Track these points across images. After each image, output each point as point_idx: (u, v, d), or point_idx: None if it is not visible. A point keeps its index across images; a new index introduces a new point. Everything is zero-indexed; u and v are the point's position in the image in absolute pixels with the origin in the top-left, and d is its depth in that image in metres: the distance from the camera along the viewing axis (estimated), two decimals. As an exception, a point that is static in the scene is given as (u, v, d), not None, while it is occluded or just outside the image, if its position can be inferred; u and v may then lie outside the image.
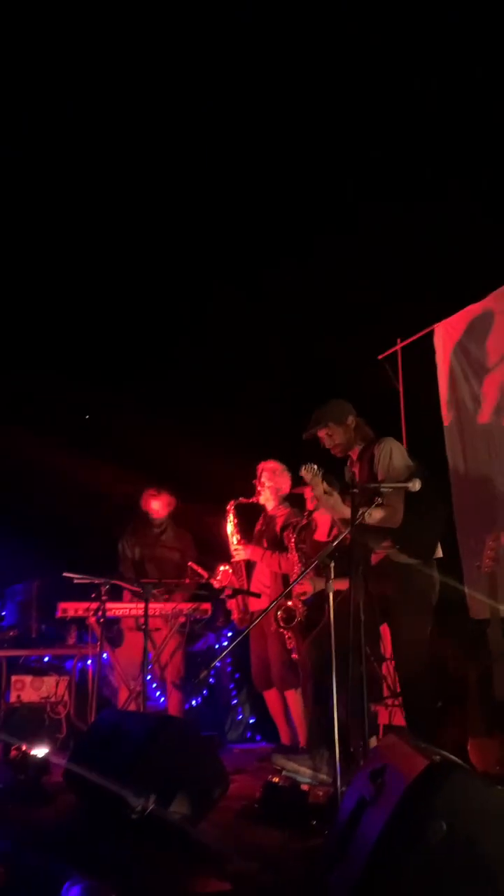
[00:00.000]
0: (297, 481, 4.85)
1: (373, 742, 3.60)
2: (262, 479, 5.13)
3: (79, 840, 3.24)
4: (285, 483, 5.14)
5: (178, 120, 7.13)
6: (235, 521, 5.14)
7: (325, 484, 3.82)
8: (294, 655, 4.62)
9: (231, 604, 5.14)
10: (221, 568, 5.11)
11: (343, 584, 3.48)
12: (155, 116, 7.08)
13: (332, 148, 6.99)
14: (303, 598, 4.49)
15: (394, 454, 3.92)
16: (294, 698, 4.86)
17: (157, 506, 5.69)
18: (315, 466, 3.81)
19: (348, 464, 4.02)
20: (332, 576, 3.28)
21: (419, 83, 6.48)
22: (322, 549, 4.46)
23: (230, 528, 5.13)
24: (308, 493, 4.75)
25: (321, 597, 4.40)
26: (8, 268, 7.51)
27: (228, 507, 5.14)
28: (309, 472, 3.83)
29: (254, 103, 6.96)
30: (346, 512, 3.81)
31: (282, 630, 4.63)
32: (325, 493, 3.87)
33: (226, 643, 6.40)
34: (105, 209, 7.62)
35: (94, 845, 3.12)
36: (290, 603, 4.49)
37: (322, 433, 4.13)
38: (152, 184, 7.61)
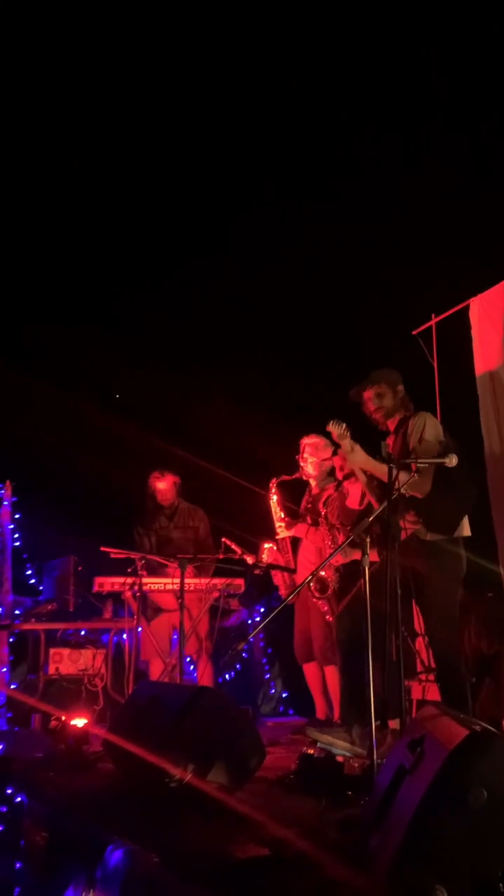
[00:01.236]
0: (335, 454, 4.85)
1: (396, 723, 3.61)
2: (305, 455, 5.13)
3: (118, 807, 3.32)
4: (328, 457, 5.14)
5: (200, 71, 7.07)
6: (278, 498, 5.16)
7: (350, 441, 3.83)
8: (329, 620, 4.67)
9: (278, 579, 5.17)
10: (266, 545, 5.14)
11: (371, 556, 3.49)
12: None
13: (369, 118, 6.91)
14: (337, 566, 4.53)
15: (427, 428, 3.92)
16: (333, 674, 4.90)
17: (163, 486, 5.72)
18: (343, 424, 3.82)
19: (385, 441, 4.01)
20: (368, 550, 3.29)
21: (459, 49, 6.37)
22: (353, 516, 4.48)
23: (273, 505, 5.15)
24: (338, 462, 4.73)
25: (353, 566, 4.43)
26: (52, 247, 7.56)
27: (271, 484, 5.16)
28: (337, 427, 3.84)
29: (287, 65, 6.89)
30: (376, 466, 3.81)
31: (315, 600, 4.67)
32: (352, 450, 3.88)
33: (258, 618, 6.46)
34: (142, 197, 7.64)
35: (133, 812, 3.19)
36: (322, 573, 4.53)
37: (370, 393, 4.13)
38: (185, 154, 7.59)
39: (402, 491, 3.63)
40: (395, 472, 3.40)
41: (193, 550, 5.51)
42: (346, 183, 7.31)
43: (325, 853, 2.39)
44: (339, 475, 4.76)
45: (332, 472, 5.16)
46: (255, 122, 7.51)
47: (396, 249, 6.79)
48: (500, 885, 1.61)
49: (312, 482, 5.18)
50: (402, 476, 3.53)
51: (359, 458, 3.91)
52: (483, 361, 5.41)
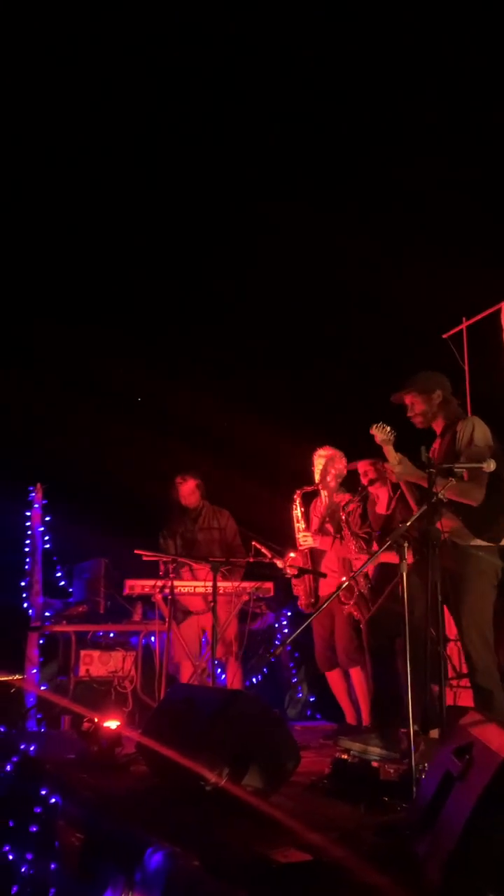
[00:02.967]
0: (362, 455, 4.84)
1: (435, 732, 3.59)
2: (327, 467, 5.15)
3: (154, 809, 3.32)
4: (342, 467, 5.16)
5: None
6: (302, 509, 5.17)
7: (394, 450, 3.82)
8: (362, 626, 4.67)
9: (298, 589, 5.18)
10: (291, 554, 5.15)
11: (394, 558, 3.48)
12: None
13: (403, 118, 6.89)
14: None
15: (476, 433, 3.89)
16: (359, 676, 4.89)
17: (186, 490, 5.74)
18: (387, 427, 3.80)
19: (424, 446, 4.00)
20: (405, 556, 3.27)
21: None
22: (383, 522, 4.47)
23: (297, 515, 5.16)
24: (362, 467, 4.73)
25: (382, 570, 4.42)
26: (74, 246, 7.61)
27: (295, 496, 5.18)
28: (381, 431, 3.82)
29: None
30: (422, 476, 3.78)
31: (343, 604, 4.67)
32: (399, 461, 3.86)
33: (285, 622, 6.46)
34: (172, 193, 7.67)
35: (169, 815, 3.20)
36: (344, 579, 4.53)
37: (407, 400, 4.12)
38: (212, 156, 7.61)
39: (453, 497, 3.61)
40: (434, 476, 3.37)
41: (219, 551, 5.53)
42: (378, 185, 7.30)
43: (366, 858, 2.38)
44: (364, 481, 4.75)
45: (342, 483, 5.18)
46: (283, 121, 7.52)
47: (428, 253, 6.77)
48: None
49: (324, 493, 5.20)
50: (442, 481, 3.51)
51: (406, 469, 3.89)
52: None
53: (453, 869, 1.73)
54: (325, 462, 5.18)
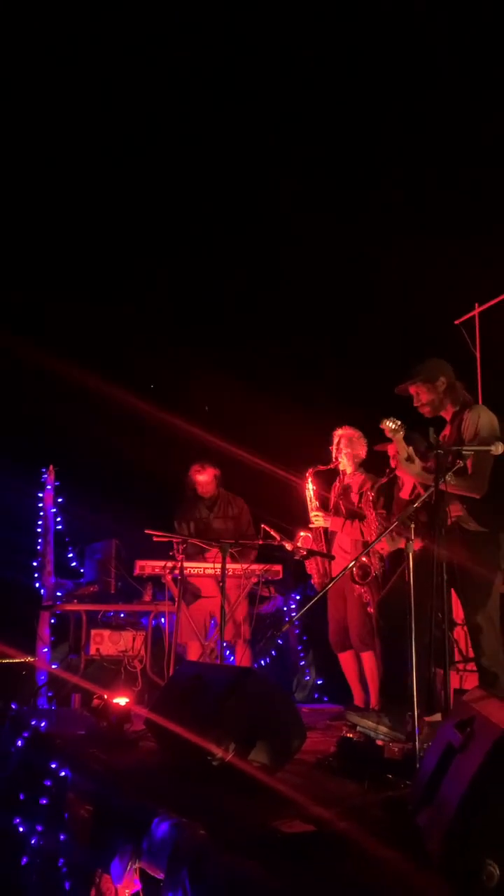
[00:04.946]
0: (376, 440, 4.86)
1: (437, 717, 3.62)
2: (340, 446, 5.15)
3: (162, 783, 3.39)
4: (362, 449, 5.16)
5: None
6: (315, 488, 5.19)
7: (405, 444, 3.83)
8: (370, 610, 4.70)
9: (311, 568, 5.20)
10: (301, 533, 5.17)
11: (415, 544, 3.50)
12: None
13: (415, 103, 6.86)
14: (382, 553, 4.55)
15: (482, 420, 3.89)
16: (370, 660, 4.93)
17: (204, 479, 5.78)
18: (399, 422, 3.82)
19: (432, 428, 4.01)
20: (413, 536, 3.30)
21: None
22: (404, 506, 4.49)
23: (309, 495, 5.18)
24: (392, 450, 4.75)
25: (397, 554, 4.45)
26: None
27: (308, 474, 5.19)
28: (392, 425, 3.85)
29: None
30: (427, 478, 3.82)
31: (356, 585, 4.69)
32: (408, 458, 3.89)
33: (293, 605, 6.50)
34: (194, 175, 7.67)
35: (177, 788, 3.26)
36: (364, 559, 4.55)
37: (412, 389, 4.13)
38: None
39: (457, 491, 3.64)
40: (442, 458, 3.40)
41: (233, 539, 5.56)
42: (389, 169, 7.28)
43: (369, 831, 2.43)
44: (393, 463, 4.76)
45: (362, 464, 5.19)
46: (296, 104, 7.49)
47: (440, 238, 6.74)
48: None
49: (348, 470, 5.20)
50: (449, 477, 3.53)
51: (413, 469, 3.92)
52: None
53: (453, 838, 1.77)
54: (340, 441, 5.18)
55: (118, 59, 7.29)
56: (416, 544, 3.44)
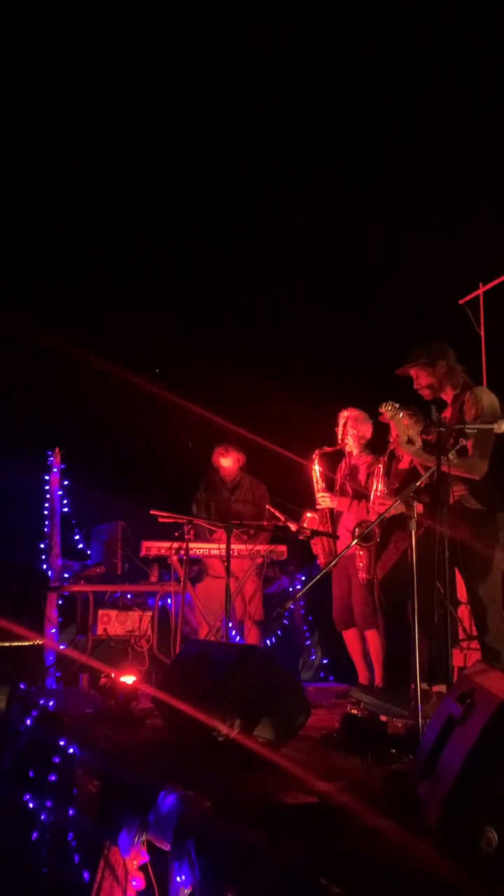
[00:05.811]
0: (381, 423, 4.86)
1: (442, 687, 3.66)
2: (346, 427, 5.16)
3: (168, 758, 3.43)
4: (368, 430, 5.18)
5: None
6: (321, 469, 5.21)
7: (406, 416, 3.84)
8: (363, 575, 4.69)
9: (317, 548, 5.23)
10: (308, 515, 5.20)
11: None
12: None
13: (416, 83, 6.81)
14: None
15: (484, 401, 3.91)
16: (374, 638, 4.97)
17: (227, 462, 5.80)
18: (396, 405, 3.83)
19: (434, 406, 4.02)
20: (415, 513, 3.32)
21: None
22: (404, 477, 4.51)
23: (315, 476, 5.19)
24: (394, 431, 4.74)
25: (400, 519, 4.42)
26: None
27: (314, 455, 5.20)
28: (389, 409, 3.86)
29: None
30: (427, 458, 3.84)
31: (357, 545, 4.68)
32: (408, 440, 3.91)
33: (299, 586, 6.54)
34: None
35: (183, 764, 3.30)
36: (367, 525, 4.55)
37: (412, 372, 4.13)
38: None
39: (456, 472, 3.66)
40: (444, 437, 3.41)
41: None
42: (393, 149, 7.24)
43: (372, 803, 2.47)
44: (393, 443, 4.77)
45: (368, 444, 5.20)
46: (299, 90, 7.45)
47: (444, 217, 6.72)
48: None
49: (355, 451, 5.21)
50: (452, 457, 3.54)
51: (412, 450, 3.93)
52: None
53: (451, 808, 1.80)
54: (346, 422, 5.19)
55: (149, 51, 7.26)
56: (418, 524, 3.46)
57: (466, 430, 3.55)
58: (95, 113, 7.63)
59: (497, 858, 1.68)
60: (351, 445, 5.19)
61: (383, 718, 3.57)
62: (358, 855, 2.06)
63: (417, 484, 3.38)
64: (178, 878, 2.45)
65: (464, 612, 4.75)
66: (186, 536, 5.08)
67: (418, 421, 4.07)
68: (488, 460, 3.82)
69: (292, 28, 7.09)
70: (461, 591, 4.51)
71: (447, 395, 4.14)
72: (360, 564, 4.79)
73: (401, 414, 3.89)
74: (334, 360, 7.45)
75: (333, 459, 5.39)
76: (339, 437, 5.21)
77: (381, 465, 4.78)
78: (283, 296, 7.91)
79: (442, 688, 3.44)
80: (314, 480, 5.21)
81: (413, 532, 3.32)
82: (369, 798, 2.55)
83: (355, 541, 4.03)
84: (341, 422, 5.23)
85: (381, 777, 2.82)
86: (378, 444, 5.15)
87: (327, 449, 5.20)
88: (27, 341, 7.01)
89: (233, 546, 5.13)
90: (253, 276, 8.08)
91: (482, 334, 5.75)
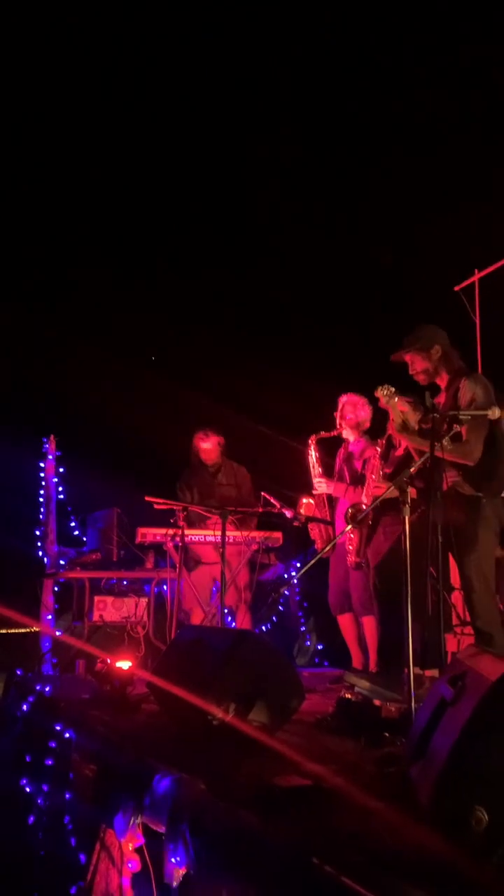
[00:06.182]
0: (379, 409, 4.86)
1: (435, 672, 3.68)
2: (344, 413, 5.17)
3: (164, 742, 3.46)
4: (366, 415, 5.18)
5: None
6: (318, 454, 5.21)
7: (402, 400, 3.86)
8: (352, 558, 4.71)
9: (315, 533, 5.25)
10: (304, 500, 5.21)
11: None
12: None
13: (411, 72, 6.79)
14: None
15: (479, 388, 3.92)
16: (371, 625, 5.00)
17: (208, 446, 5.81)
18: (392, 388, 3.85)
19: (429, 392, 4.03)
20: (409, 499, 3.33)
21: None
22: (398, 462, 4.52)
23: (312, 461, 5.20)
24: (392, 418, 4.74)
25: (389, 505, 4.43)
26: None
27: (310, 440, 5.21)
28: (384, 392, 3.87)
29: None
30: (421, 443, 3.86)
31: (347, 525, 4.71)
32: (403, 425, 3.92)
33: (294, 574, 6.56)
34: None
35: (178, 747, 3.33)
36: (363, 505, 4.57)
37: (408, 357, 4.14)
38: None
39: (450, 458, 3.67)
40: (438, 422, 3.42)
41: (236, 507, 5.60)
42: (389, 137, 7.21)
43: (364, 785, 2.49)
44: (390, 429, 4.77)
45: (367, 430, 5.20)
46: (289, 81, 7.42)
47: (441, 204, 6.70)
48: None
49: (352, 437, 5.22)
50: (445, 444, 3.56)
51: (408, 434, 3.95)
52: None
53: (442, 788, 1.82)
54: (344, 407, 5.20)
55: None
56: (412, 509, 3.48)
57: (461, 417, 3.56)
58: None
59: (486, 837, 1.70)
60: (349, 431, 5.20)
61: (377, 703, 3.60)
62: (351, 835, 2.09)
63: (411, 469, 3.39)
64: (172, 860, 2.48)
65: (457, 597, 4.78)
66: (180, 523, 5.09)
67: (417, 408, 4.08)
68: (482, 446, 3.84)
69: (291, 24, 7.05)
70: (455, 577, 4.54)
71: (442, 381, 4.15)
72: (350, 547, 4.80)
73: (396, 399, 3.91)
74: (331, 345, 7.45)
75: (332, 445, 5.40)
76: (338, 422, 5.22)
77: (378, 450, 4.79)
78: (279, 282, 7.89)
79: (435, 672, 3.46)
80: (311, 465, 5.22)
81: (406, 517, 3.33)
82: (362, 780, 2.58)
83: (350, 525, 4.05)
84: (339, 406, 5.23)
85: (374, 759, 2.85)
86: (377, 430, 5.15)
87: (324, 434, 5.20)
88: (22, 329, 7.00)
89: (228, 533, 5.16)
90: (247, 263, 8.07)
91: (477, 321, 5.75)
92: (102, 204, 7.97)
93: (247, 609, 5.71)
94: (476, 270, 5.75)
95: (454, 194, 6.72)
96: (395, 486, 3.40)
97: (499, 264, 5.56)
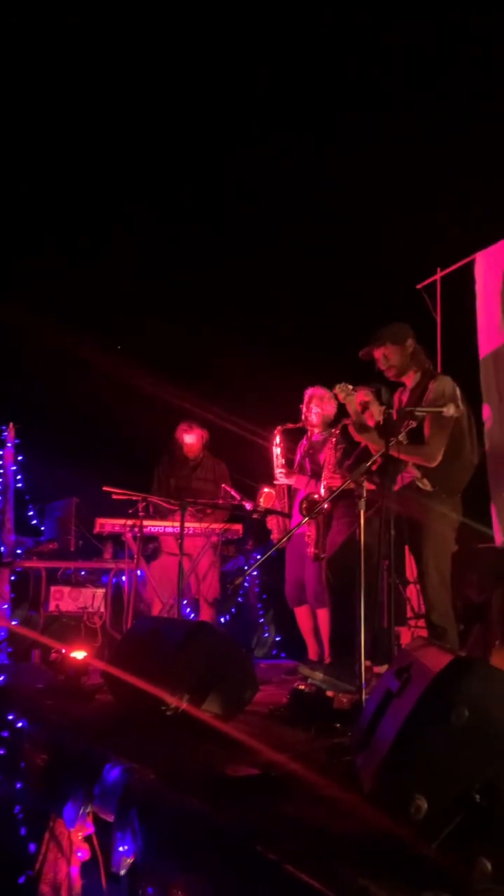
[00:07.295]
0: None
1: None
2: (311, 406, 5.20)
3: (116, 732, 3.46)
4: (331, 409, 5.21)
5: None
6: (282, 445, 5.23)
7: (364, 390, 3.88)
8: (311, 550, 4.76)
9: (272, 524, 5.27)
10: (265, 490, 5.23)
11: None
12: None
13: (378, 69, 6.82)
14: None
15: (447, 391, 3.95)
16: (325, 616, 5.04)
17: (191, 439, 5.80)
18: (350, 386, 3.88)
19: (387, 387, 4.08)
20: (364, 494, 3.37)
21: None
22: (356, 454, 4.56)
23: (276, 452, 5.22)
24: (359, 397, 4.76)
25: (342, 497, 4.47)
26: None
27: (276, 431, 5.23)
28: (343, 391, 3.90)
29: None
30: (377, 442, 3.90)
31: (302, 516, 4.74)
32: (361, 426, 3.97)
33: (251, 565, 6.58)
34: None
35: (130, 737, 3.33)
36: (316, 496, 4.60)
37: (378, 353, 4.16)
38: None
39: (410, 459, 3.71)
40: (399, 419, 3.46)
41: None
42: (357, 133, 7.25)
43: (314, 774, 2.53)
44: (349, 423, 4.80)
45: (332, 424, 5.24)
46: (265, 73, 7.41)
47: (404, 202, 6.76)
48: (476, 795, 1.73)
49: (317, 430, 5.25)
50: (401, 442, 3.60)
51: (362, 432, 3.99)
52: (485, 316, 5.42)
53: (383, 776, 1.86)
54: (310, 400, 5.22)
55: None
56: (369, 503, 3.52)
57: (416, 413, 3.61)
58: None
59: (426, 824, 1.74)
60: (313, 423, 5.23)
61: (330, 694, 3.64)
62: (297, 821, 2.12)
63: (368, 464, 3.43)
64: (120, 849, 2.49)
65: (412, 590, 4.85)
66: (141, 514, 5.08)
67: (379, 398, 4.12)
68: (444, 448, 3.88)
69: (276, 23, 7.03)
70: (410, 571, 4.60)
71: (409, 379, 4.19)
72: (308, 540, 4.84)
73: (354, 395, 3.94)
74: (297, 339, 7.48)
75: (296, 437, 5.42)
76: (303, 414, 5.24)
77: (333, 440, 4.82)
78: (245, 274, 7.88)
79: (384, 669, 3.51)
80: (274, 456, 5.24)
81: (362, 511, 3.37)
82: (311, 769, 2.61)
83: (306, 518, 4.08)
84: (306, 399, 5.26)
85: (324, 749, 2.89)
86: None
87: (289, 426, 5.22)
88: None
89: (187, 524, 5.16)
90: (215, 256, 8.06)
91: (438, 320, 5.82)
92: (57, 186, 7.87)
93: (207, 602, 5.72)
94: (438, 269, 5.81)
95: (419, 193, 6.78)
96: (351, 480, 3.43)
97: (461, 263, 5.62)
